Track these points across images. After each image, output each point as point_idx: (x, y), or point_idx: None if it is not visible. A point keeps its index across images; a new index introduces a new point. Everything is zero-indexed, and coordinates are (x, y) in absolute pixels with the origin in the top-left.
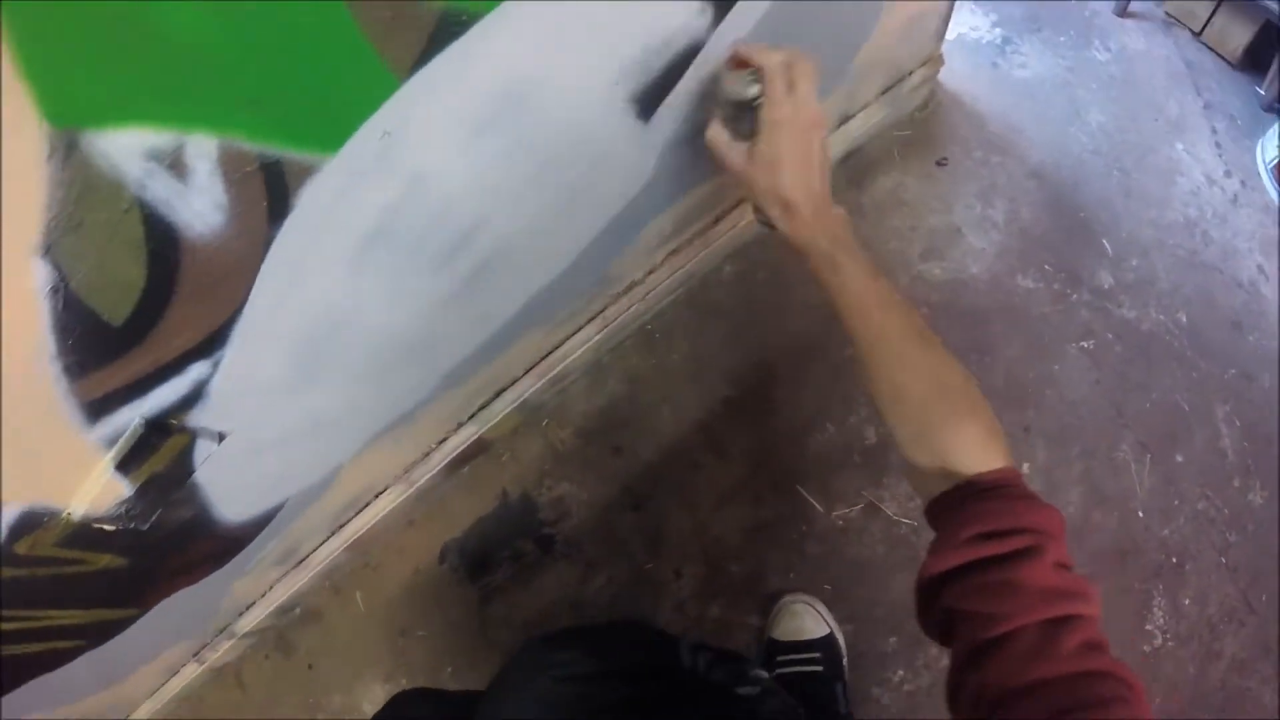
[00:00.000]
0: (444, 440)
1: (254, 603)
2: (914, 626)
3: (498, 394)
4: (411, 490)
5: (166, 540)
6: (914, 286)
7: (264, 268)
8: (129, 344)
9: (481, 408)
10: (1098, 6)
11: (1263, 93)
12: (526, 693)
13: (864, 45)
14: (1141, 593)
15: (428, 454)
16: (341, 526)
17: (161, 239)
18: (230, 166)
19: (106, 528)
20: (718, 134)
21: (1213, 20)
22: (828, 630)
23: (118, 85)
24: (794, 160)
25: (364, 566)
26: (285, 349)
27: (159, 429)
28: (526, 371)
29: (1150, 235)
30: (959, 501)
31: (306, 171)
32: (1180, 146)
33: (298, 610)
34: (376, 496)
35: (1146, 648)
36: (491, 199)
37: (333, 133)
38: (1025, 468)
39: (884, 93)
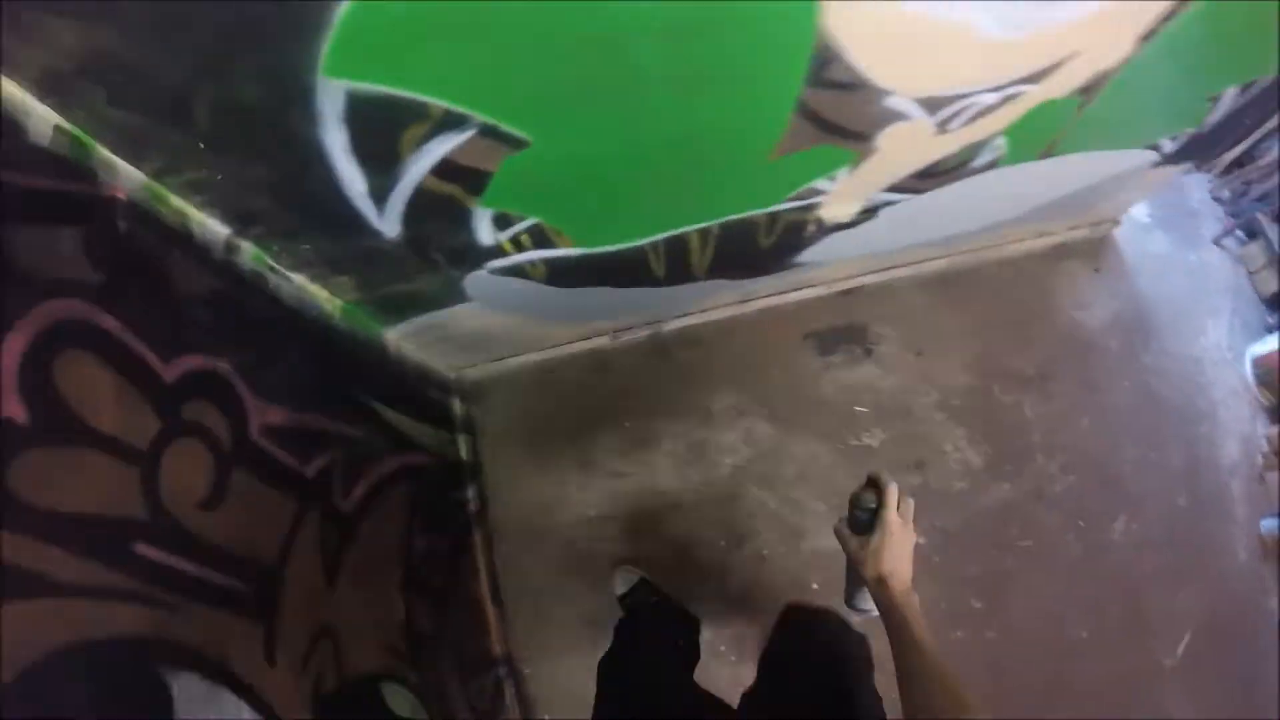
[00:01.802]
0: None
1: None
2: None
3: None
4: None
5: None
6: (1065, 317)
7: None
8: None
9: None
10: (1205, 231)
11: (1270, 321)
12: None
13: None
14: (1113, 507)
15: None
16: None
17: None
18: None
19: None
20: (842, 527)
21: (1263, 270)
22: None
23: None
24: (892, 553)
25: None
26: None
27: None
28: None
29: (1176, 352)
30: None
31: None
32: (1210, 322)
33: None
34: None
35: (1110, 536)
36: None
37: None
38: (1085, 421)
39: (1073, 229)
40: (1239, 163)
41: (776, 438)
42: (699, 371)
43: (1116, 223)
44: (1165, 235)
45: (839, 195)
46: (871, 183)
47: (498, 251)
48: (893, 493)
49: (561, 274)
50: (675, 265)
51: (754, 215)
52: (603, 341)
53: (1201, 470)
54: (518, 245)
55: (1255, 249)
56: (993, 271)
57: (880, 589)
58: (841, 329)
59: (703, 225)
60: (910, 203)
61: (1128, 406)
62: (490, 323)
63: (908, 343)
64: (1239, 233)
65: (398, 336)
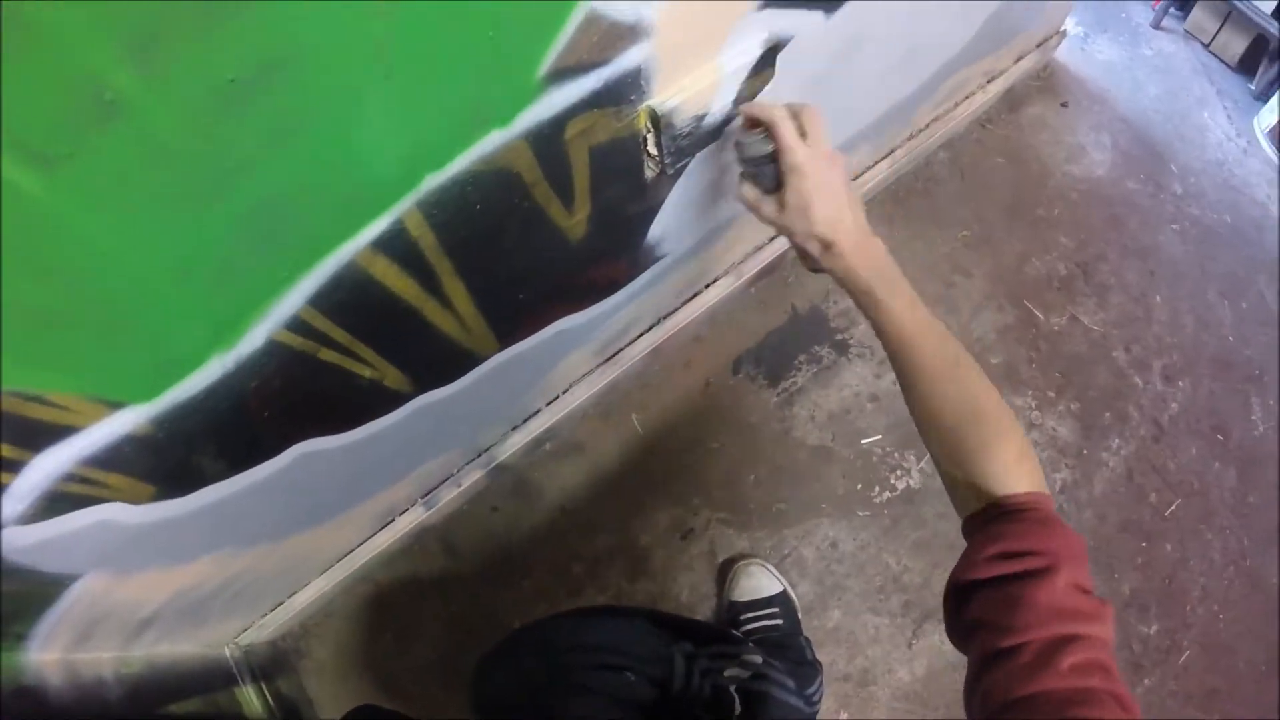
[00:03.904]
0: (744, 261)
1: (538, 411)
2: None
3: None
4: (728, 290)
5: (613, 230)
6: (1064, 180)
7: None
8: None
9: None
10: (1139, 19)
11: (1253, 87)
12: (584, 713)
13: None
14: (1241, 392)
15: (738, 262)
16: (663, 318)
17: None
18: None
19: (653, 146)
20: (748, 191)
21: (1218, 35)
22: (781, 587)
23: None
24: (821, 200)
25: (640, 387)
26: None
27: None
28: None
29: (1199, 165)
30: (985, 521)
31: None
32: (1206, 114)
33: (548, 446)
34: (706, 286)
35: (1255, 433)
36: None
37: None
38: (1157, 299)
39: (1020, 58)
40: None
41: (767, 544)
42: (597, 495)
43: (1063, 34)
44: (1106, 38)
45: (674, 27)
46: None
47: None
48: (782, 120)
49: (168, 468)
50: (405, 343)
51: (494, 153)
52: (417, 516)
53: None
54: None
55: (1200, 16)
56: (948, 158)
57: (827, 254)
58: (784, 330)
59: (382, 225)
60: (818, 43)
61: (1187, 256)
62: (178, 581)
63: None
64: (1172, 9)
65: (57, 654)
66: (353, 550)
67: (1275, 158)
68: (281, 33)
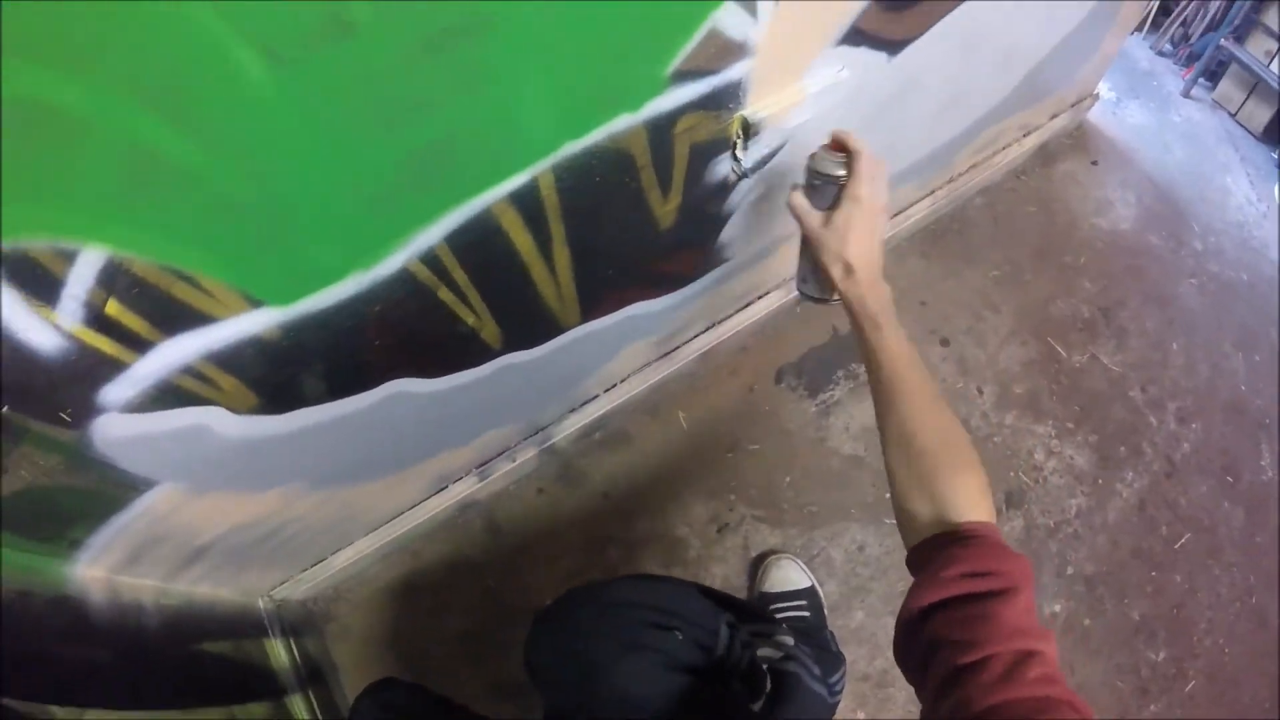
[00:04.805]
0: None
1: (595, 397)
2: None
3: None
4: (776, 304)
5: (695, 223)
6: (1090, 230)
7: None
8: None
9: None
10: (1170, 88)
11: (1276, 155)
12: (634, 668)
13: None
14: (1252, 438)
15: (790, 278)
16: (717, 323)
17: None
18: None
19: (740, 150)
20: (799, 199)
21: (1244, 105)
22: (810, 582)
23: None
24: (862, 232)
25: (689, 389)
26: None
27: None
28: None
29: (1220, 225)
30: (942, 546)
31: None
32: (1229, 179)
33: (597, 435)
34: (758, 298)
35: (1264, 477)
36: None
37: None
38: (1174, 346)
39: (1054, 116)
40: (1164, 9)
41: (798, 543)
42: (639, 485)
43: (1095, 97)
44: (1137, 104)
45: (771, 51)
46: (819, 15)
47: (91, 358)
48: (866, 157)
49: (278, 379)
50: (509, 298)
51: (621, 133)
52: (469, 487)
53: None
54: (107, 328)
55: (1227, 87)
56: (983, 204)
57: (848, 279)
58: (825, 347)
59: (521, 180)
60: (881, 79)
61: (1204, 308)
62: (243, 511)
63: (924, 332)
64: (1201, 80)
65: (103, 573)
66: (402, 514)
67: None
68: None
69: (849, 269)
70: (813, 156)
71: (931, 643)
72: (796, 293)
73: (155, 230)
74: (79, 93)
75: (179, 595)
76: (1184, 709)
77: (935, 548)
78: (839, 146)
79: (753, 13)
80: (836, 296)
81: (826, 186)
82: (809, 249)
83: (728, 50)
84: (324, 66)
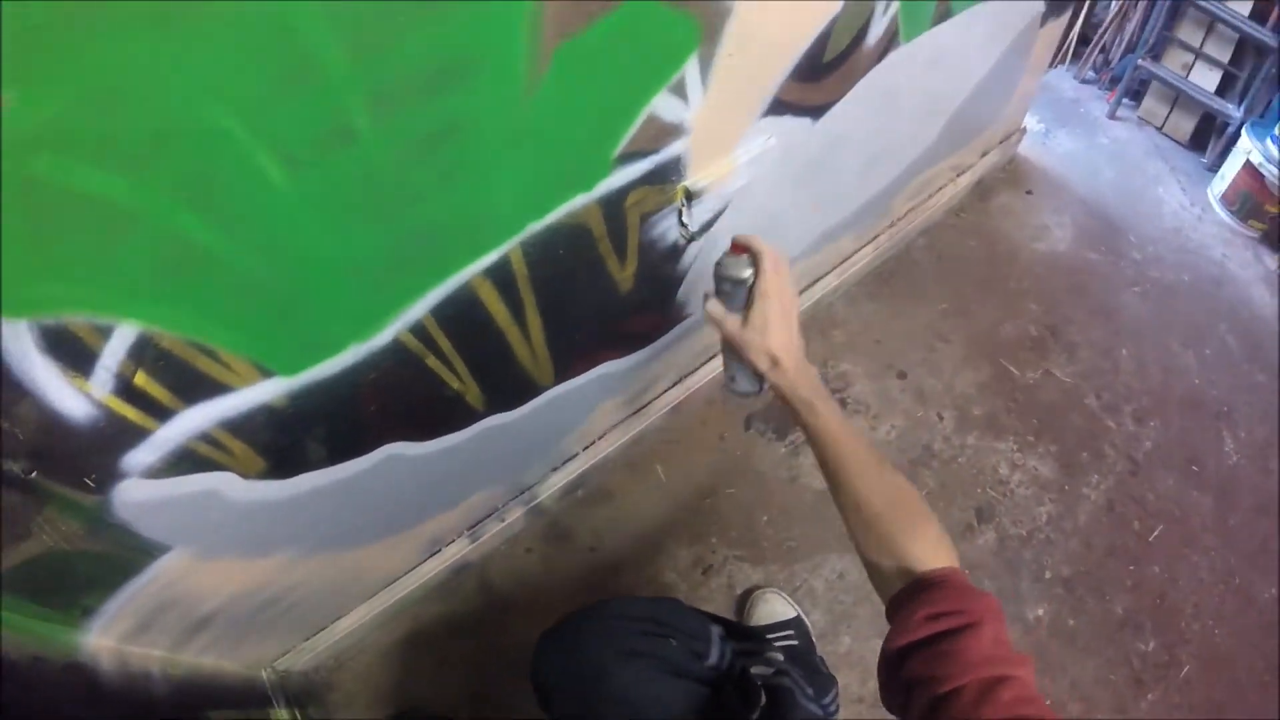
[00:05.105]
0: None
1: (575, 455)
2: None
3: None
4: None
5: (653, 285)
6: (1031, 256)
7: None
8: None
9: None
10: (1096, 113)
11: (1205, 160)
12: (634, 674)
13: (988, 128)
14: (1212, 428)
15: None
16: (683, 377)
17: None
18: None
19: (685, 216)
20: (714, 307)
21: (1169, 118)
22: (795, 613)
23: None
24: (779, 325)
25: (664, 442)
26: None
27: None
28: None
29: (1155, 234)
30: (911, 595)
31: None
32: (1161, 190)
33: (580, 493)
34: (711, 358)
35: (1229, 463)
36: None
37: None
38: (1124, 352)
39: (985, 153)
40: (1084, 39)
41: (780, 577)
42: (623, 537)
43: (1023, 131)
44: (1065, 132)
45: (704, 129)
46: (743, 93)
47: (117, 426)
48: (769, 254)
49: (284, 444)
50: (489, 362)
51: (577, 211)
52: (461, 549)
53: (1254, 332)
54: (134, 397)
55: (1151, 103)
56: (926, 244)
57: (775, 370)
58: None
59: (494, 256)
60: (807, 142)
61: (1149, 313)
62: (246, 577)
63: (881, 367)
64: (1125, 100)
65: (113, 641)
66: (398, 578)
67: (1228, 219)
68: (466, 106)
69: (775, 361)
70: (718, 264)
71: (909, 681)
72: (728, 393)
73: (184, 308)
74: (129, 190)
75: (185, 665)
76: (1182, 694)
77: (905, 596)
78: (741, 249)
79: (684, 97)
80: (766, 386)
81: (737, 289)
82: (733, 351)
83: (665, 132)
84: (331, 167)
